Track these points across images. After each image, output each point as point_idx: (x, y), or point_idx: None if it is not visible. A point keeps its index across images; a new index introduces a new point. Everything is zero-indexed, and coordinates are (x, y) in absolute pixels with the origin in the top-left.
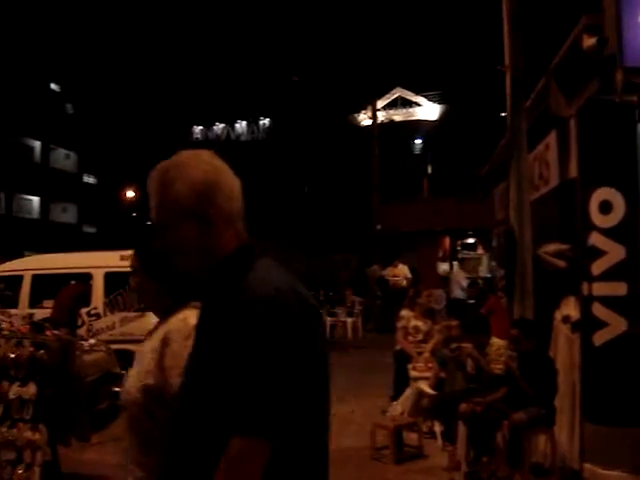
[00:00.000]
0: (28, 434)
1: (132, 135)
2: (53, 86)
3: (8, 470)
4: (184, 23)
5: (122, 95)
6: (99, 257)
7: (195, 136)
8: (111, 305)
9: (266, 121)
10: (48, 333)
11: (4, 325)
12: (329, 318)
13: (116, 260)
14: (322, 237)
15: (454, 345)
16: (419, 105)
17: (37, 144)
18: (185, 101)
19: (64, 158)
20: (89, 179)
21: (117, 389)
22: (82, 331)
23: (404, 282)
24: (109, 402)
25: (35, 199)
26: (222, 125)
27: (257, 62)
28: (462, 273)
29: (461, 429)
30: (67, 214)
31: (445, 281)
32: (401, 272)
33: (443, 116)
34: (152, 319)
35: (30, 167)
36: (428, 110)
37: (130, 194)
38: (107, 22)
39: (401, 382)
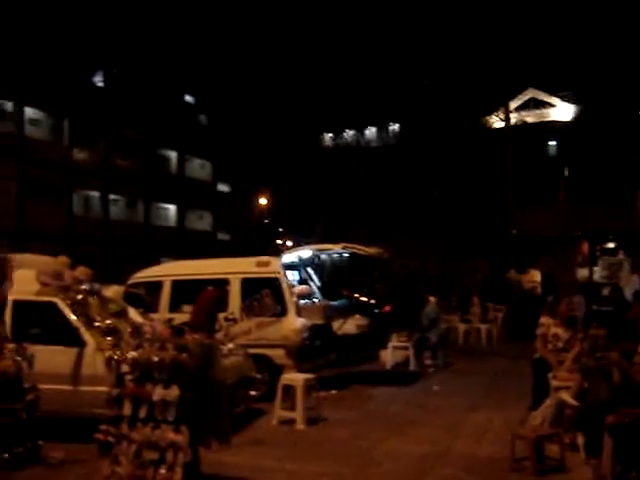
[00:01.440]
0: (171, 435)
1: (264, 143)
2: (188, 98)
3: (151, 470)
4: (314, 31)
5: (253, 104)
6: (236, 263)
7: (325, 143)
8: (247, 310)
9: (396, 126)
10: (188, 337)
11: (146, 329)
12: (462, 325)
13: (252, 266)
14: (454, 242)
15: (599, 354)
16: (553, 106)
17: (173, 155)
18: (315, 108)
19: (199, 167)
20: (223, 187)
21: (254, 393)
22: (220, 336)
23: (539, 288)
24: (246, 406)
25: (172, 207)
26: (352, 132)
27: (387, 67)
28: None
29: (607, 442)
30: (202, 222)
31: (584, 287)
32: (533, 278)
33: (578, 116)
34: (287, 324)
35: (167, 177)
36: (562, 111)
37: (263, 201)
38: (238, 34)
39: (540, 391)
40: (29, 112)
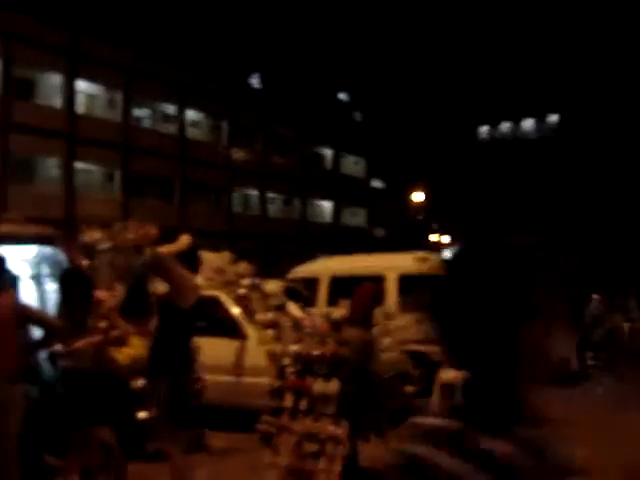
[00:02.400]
0: (331, 428)
1: (418, 138)
2: (342, 96)
3: (310, 461)
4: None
5: (408, 99)
6: (392, 259)
7: (481, 136)
8: (404, 306)
9: (554, 117)
10: (347, 332)
11: (306, 322)
12: (627, 324)
13: (409, 262)
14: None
15: None
16: None
17: (328, 152)
18: (471, 100)
19: (353, 164)
20: (377, 184)
21: (410, 389)
22: (376, 331)
23: None
24: (403, 402)
25: (327, 204)
26: (508, 123)
27: (546, 55)
28: None
29: None
30: (357, 218)
31: None
32: None
33: None
34: None
35: (322, 174)
36: None
37: (417, 197)
38: (389, 30)
39: None
40: (190, 114)
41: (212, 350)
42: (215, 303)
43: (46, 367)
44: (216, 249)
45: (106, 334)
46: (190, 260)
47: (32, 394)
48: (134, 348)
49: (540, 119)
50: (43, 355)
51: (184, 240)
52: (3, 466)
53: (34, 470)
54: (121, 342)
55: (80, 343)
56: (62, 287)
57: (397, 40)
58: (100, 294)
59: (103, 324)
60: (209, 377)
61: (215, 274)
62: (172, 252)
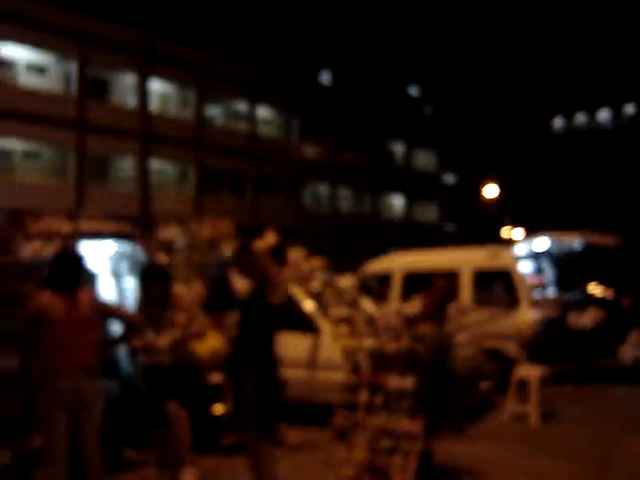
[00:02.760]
0: (406, 424)
1: (491, 132)
2: (412, 89)
3: (385, 457)
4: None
5: (479, 92)
6: (466, 254)
7: (555, 127)
8: (479, 302)
9: (631, 107)
10: (421, 327)
11: (379, 318)
12: None
13: (483, 257)
14: None
15: None
16: None
17: (400, 147)
18: (544, 91)
19: (425, 159)
20: (449, 178)
21: (485, 385)
22: (451, 327)
23: None
24: (478, 398)
25: (398, 199)
26: (583, 114)
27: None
28: None
29: None
30: (428, 213)
31: None
32: None
33: None
34: (520, 316)
35: (393, 169)
36: None
37: (490, 191)
38: (459, 24)
39: None
40: (261, 112)
41: (286, 345)
42: (289, 298)
43: (126, 362)
44: (289, 245)
45: (185, 329)
46: (278, 256)
47: (112, 389)
48: (212, 342)
49: (616, 109)
50: (123, 350)
51: (271, 236)
52: (86, 459)
53: (114, 463)
54: (200, 336)
55: (159, 338)
56: (142, 283)
57: (468, 32)
58: (178, 289)
59: (182, 319)
60: (283, 372)
61: (289, 269)
62: (262, 248)
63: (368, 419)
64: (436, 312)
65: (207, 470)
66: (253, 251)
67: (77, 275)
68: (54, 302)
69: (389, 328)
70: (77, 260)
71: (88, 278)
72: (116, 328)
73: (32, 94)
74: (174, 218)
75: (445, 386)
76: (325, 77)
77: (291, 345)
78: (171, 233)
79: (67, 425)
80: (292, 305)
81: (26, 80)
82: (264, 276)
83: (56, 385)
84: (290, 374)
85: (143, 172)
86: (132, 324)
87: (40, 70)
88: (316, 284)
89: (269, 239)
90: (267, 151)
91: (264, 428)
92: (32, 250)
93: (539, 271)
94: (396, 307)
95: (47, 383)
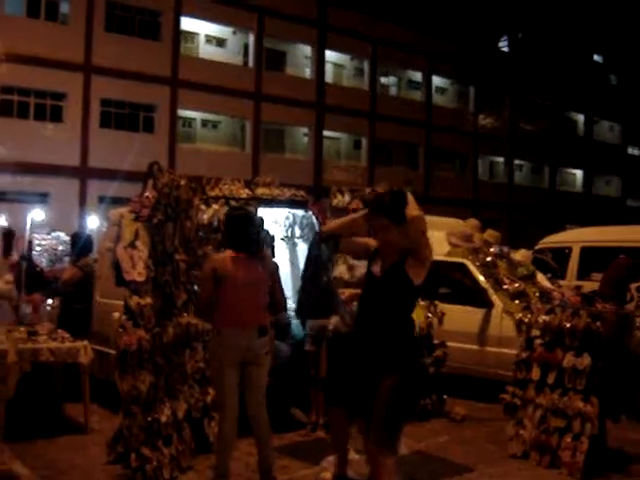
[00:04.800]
0: (579, 404)
1: None
2: (596, 57)
3: (555, 437)
4: None
5: None
6: None
7: None
8: None
9: None
10: (598, 306)
11: (555, 294)
12: None
13: None
14: None
15: None
16: None
17: (580, 117)
18: None
19: (608, 130)
20: (633, 151)
21: None
22: (631, 306)
23: None
24: None
25: (578, 172)
26: None
27: None
28: None
29: None
30: (610, 187)
31: None
32: None
33: None
34: None
35: (574, 141)
36: None
37: None
38: None
39: None
40: (436, 81)
41: (457, 317)
42: (462, 270)
43: (296, 325)
44: (460, 217)
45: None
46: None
47: (283, 350)
48: None
49: None
50: (292, 314)
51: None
52: (253, 414)
53: (281, 422)
54: None
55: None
56: (313, 250)
57: None
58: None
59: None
60: (453, 344)
61: (462, 241)
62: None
63: (539, 397)
64: (616, 291)
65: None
66: (406, 216)
67: (258, 237)
68: (232, 262)
69: (565, 304)
70: (257, 222)
71: (266, 241)
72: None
73: (211, 65)
74: (347, 187)
75: (624, 368)
76: (504, 44)
77: (462, 318)
78: (344, 200)
79: (238, 381)
80: (465, 278)
81: (205, 52)
82: (414, 248)
83: (230, 342)
84: (460, 347)
85: (317, 142)
86: (276, 304)
87: (219, 42)
88: (490, 257)
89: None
90: (441, 121)
91: (392, 438)
92: (210, 214)
93: None
94: (573, 283)
95: (221, 340)
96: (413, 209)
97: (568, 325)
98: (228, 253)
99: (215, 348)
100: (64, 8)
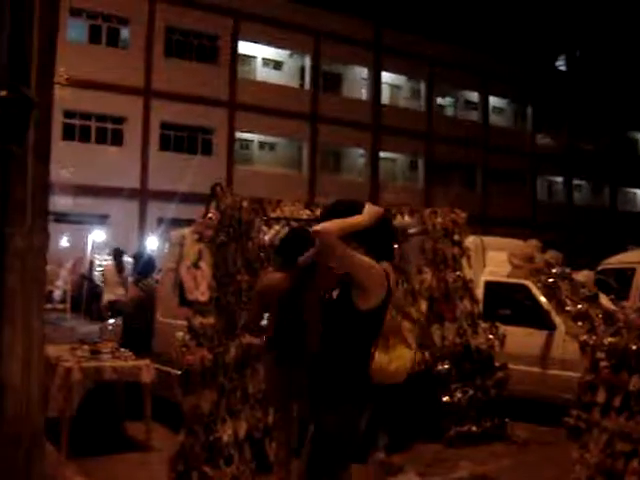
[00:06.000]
0: None
1: None
2: None
3: (621, 461)
4: None
5: None
6: None
7: None
8: None
9: None
10: None
11: (619, 316)
12: None
13: None
14: None
15: None
16: None
17: None
18: None
19: None
20: None
21: None
22: None
23: None
24: None
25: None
26: None
27: None
28: None
29: None
30: None
31: None
32: None
33: None
34: None
35: (635, 160)
36: None
37: None
38: None
39: None
40: (493, 101)
41: (519, 339)
42: (523, 291)
43: None
44: (518, 238)
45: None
46: (379, 241)
47: None
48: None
49: None
50: None
51: (372, 211)
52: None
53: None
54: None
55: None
56: None
57: None
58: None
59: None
60: (514, 367)
61: (524, 262)
62: (352, 227)
63: (605, 420)
64: None
65: (430, 457)
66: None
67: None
68: (281, 281)
69: (630, 326)
70: (306, 240)
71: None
72: None
73: (268, 88)
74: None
75: None
76: (561, 63)
77: (524, 340)
78: (404, 221)
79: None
80: (527, 299)
81: (262, 74)
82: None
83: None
84: (521, 369)
85: (373, 163)
86: None
87: (276, 65)
88: (552, 278)
89: (368, 215)
90: (499, 141)
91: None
92: (271, 235)
93: None
94: (635, 305)
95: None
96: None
97: (634, 347)
98: (276, 271)
99: (271, 371)
100: (125, 34)
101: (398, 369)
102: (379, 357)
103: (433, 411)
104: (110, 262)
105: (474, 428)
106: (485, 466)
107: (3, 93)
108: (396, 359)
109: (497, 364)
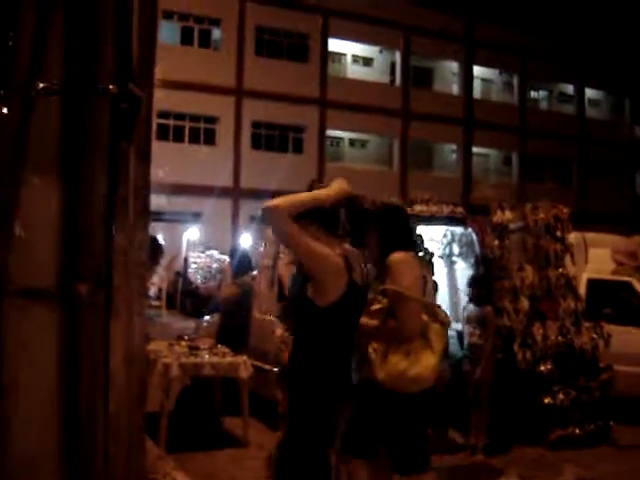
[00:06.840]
0: None
1: None
2: None
3: None
4: None
5: None
6: None
7: None
8: None
9: None
10: None
11: None
12: None
13: None
14: None
15: None
16: None
17: None
18: None
19: None
20: None
21: None
22: None
23: None
24: None
25: None
26: None
27: None
28: None
29: None
30: None
31: None
32: None
33: None
34: None
35: None
36: None
37: None
38: None
39: None
40: (589, 93)
41: (624, 339)
42: (627, 289)
43: (455, 345)
44: (617, 233)
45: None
46: (332, 223)
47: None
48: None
49: None
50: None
51: (336, 187)
52: None
53: (441, 444)
54: None
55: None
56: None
57: None
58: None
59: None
60: (619, 368)
61: (627, 259)
62: (308, 204)
63: None
64: None
65: (532, 460)
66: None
67: None
68: None
69: None
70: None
71: (425, 259)
72: None
73: (358, 85)
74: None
75: None
76: None
77: (630, 339)
78: (505, 217)
79: None
80: (631, 297)
81: (353, 71)
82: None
83: None
84: (627, 370)
85: (465, 158)
86: None
87: (366, 61)
88: None
89: (331, 190)
90: (595, 134)
91: None
92: None
93: None
94: None
95: None
96: None
97: None
98: None
99: None
100: (216, 35)
101: (420, 375)
102: (398, 361)
103: (534, 413)
104: (228, 261)
105: (577, 431)
106: (591, 470)
107: (112, 88)
108: (417, 364)
109: (601, 365)
